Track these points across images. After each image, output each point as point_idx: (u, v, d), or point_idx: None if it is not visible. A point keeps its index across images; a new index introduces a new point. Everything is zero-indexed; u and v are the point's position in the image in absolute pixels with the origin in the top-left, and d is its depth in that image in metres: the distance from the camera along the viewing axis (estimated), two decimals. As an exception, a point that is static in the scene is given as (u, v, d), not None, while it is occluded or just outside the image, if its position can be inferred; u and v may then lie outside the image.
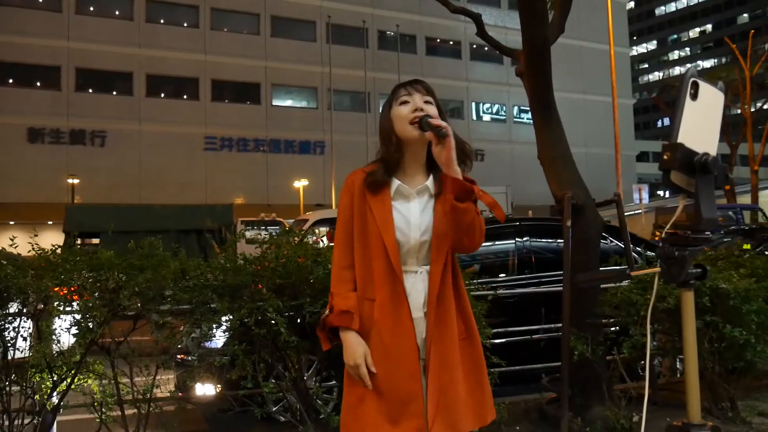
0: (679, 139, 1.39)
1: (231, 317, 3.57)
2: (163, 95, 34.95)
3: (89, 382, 3.65)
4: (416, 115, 1.95)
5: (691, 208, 1.42)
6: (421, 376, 1.92)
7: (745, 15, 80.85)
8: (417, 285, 1.97)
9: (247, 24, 36.89)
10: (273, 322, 3.48)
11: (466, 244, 1.93)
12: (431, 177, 2.02)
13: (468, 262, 5.50)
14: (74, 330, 3.51)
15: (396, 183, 2.02)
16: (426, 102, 2.02)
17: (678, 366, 4.92)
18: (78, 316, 3.50)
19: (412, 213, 1.98)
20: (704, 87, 1.44)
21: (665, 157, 1.39)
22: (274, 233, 4.01)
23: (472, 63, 42.40)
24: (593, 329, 4.30)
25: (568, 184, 4.47)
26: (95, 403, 3.64)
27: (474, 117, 42.78)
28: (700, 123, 1.44)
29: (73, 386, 3.60)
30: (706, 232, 1.46)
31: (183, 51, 34.48)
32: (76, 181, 29.95)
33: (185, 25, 35.63)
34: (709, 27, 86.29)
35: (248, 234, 4.74)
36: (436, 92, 2.11)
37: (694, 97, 1.42)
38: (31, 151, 31.18)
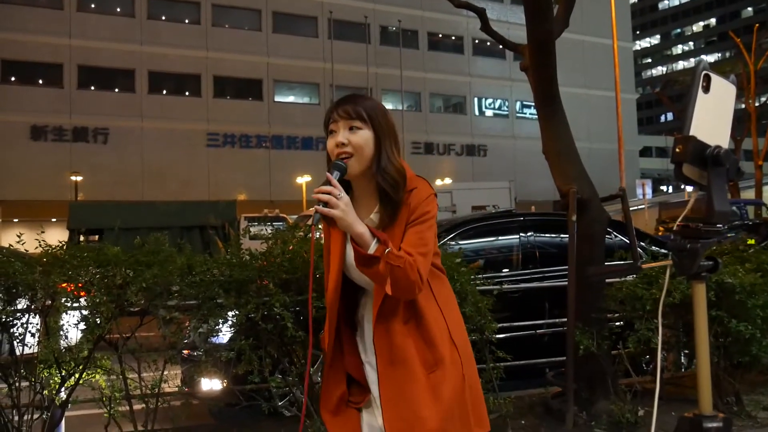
0: (692, 132, 1.39)
1: (237, 312, 3.59)
2: (165, 92, 34.95)
3: (97, 377, 3.67)
4: (339, 152, 1.79)
5: (702, 201, 1.43)
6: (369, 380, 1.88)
7: (750, 9, 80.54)
8: (366, 326, 1.89)
9: (248, 20, 36.85)
10: (279, 317, 3.50)
11: (390, 293, 1.71)
12: (377, 206, 1.81)
13: (472, 258, 5.51)
14: (82, 326, 3.53)
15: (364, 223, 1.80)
16: (353, 128, 1.79)
17: (682, 361, 4.93)
18: (85, 312, 3.52)
19: (351, 252, 1.78)
20: (716, 80, 1.44)
21: (677, 149, 1.39)
22: (278, 229, 4.02)
23: (474, 58, 42.31)
24: (598, 324, 4.31)
25: (574, 178, 4.47)
26: (103, 398, 3.66)
27: (477, 112, 42.72)
28: (712, 116, 1.44)
29: (81, 381, 3.62)
30: (718, 225, 1.47)
31: (185, 48, 34.47)
32: (79, 178, 30.00)
33: (187, 21, 35.61)
34: (713, 21, 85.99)
35: (253, 230, 4.76)
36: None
37: (706, 90, 1.42)
38: (34, 148, 31.22)
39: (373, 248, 1.69)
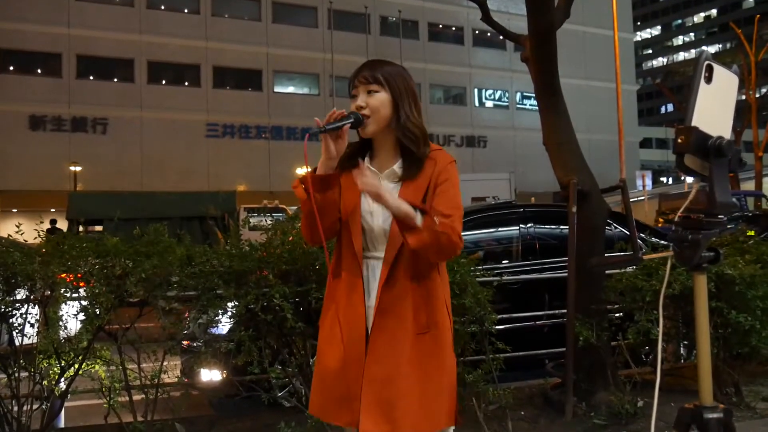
0: (693, 123, 1.39)
1: (237, 303, 3.59)
2: (164, 82, 34.85)
3: (97, 368, 3.68)
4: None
5: (704, 192, 1.43)
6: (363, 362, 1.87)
7: (751, 0, 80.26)
8: (376, 272, 1.92)
9: (248, 10, 36.70)
10: (279, 308, 3.50)
11: (433, 260, 1.90)
12: (400, 161, 1.96)
13: (472, 249, 5.51)
14: (81, 316, 3.53)
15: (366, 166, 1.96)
16: (371, 92, 1.92)
17: (682, 352, 4.94)
18: (85, 303, 3.52)
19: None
20: (718, 70, 1.43)
21: (680, 140, 1.38)
22: (278, 220, 4.02)
23: (474, 49, 42.17)
24: (598, 315, 4.32)
25: (574, 170, 4.47)
26: (103, 389, 3.67)
27: (477, 103, 42.62)
28: (714, 106, 1.44)
29: (80, 372, 3.62)
30: (720, 216, 1.46)
31: (184, 37, 34.33)
32: (78, 168, 29.97)
33: (186, 11, 35.46)
34: (713, 12, 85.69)
35: (252, 221, 4.75)
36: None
37: (709, 80, 1.41)
38: (32, 138, 31.16)
39: (419, 220, 1.79)
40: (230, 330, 3.87)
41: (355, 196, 1.94)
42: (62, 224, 12.82)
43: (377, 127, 1.93)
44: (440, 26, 41.46)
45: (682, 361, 4.91)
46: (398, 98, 1.93)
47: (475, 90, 42.40)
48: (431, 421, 1.85)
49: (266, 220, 4.23)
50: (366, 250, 1.95)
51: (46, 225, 3.39)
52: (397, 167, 1.95)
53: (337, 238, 2.00)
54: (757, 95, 30.40)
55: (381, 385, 1.82)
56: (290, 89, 38.30)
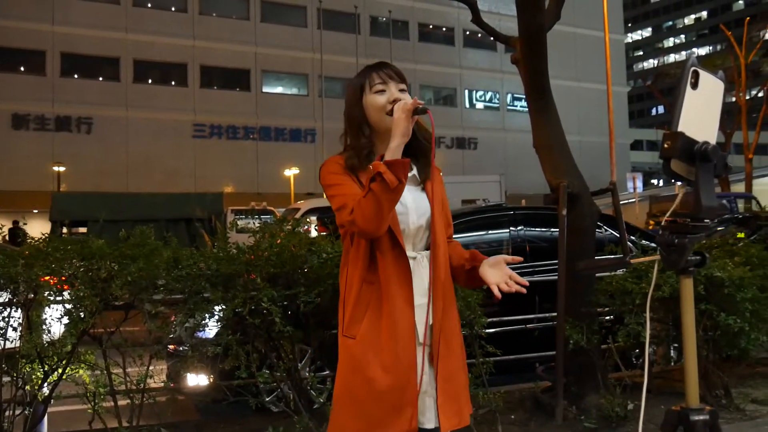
0: (680, 128, 1.41)
1: (224, 307, 3.58)
2: (150, 81, 34.70)
3: (81, 372, 3.65)
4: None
5: (690, 196, 1.45)
6: (417, 365, 1.86)
7: (741, 2, 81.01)
8: (419, 270, 1.93)
9: (236, 9, 36.63)
10: (267, 311, 3.49)
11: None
12: (414, 167, 1.99)
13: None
14: (65, 320, 3.51)
15: None
16: (400, 90, 1.98)
17: (672, 354, 4.98)
18: (69, 306, 3.50)
19: (406, 198, 1.93)
20: (704, 76, 1.46)
21: (666, 145, 1.41)
22: (265, 222, 4.02)
23: (465, 50, 42.30)
24: (588, 318, 4.35)
25: (564, 172, 4.50)
26: (87, 394, 3.64)
27: (467, 105, 42.74)
28: (701, 112, 1.46)
29: (64, 377, 3.60)
30: (706, 220, 1.49)
31: (171, 36, 34.22)
32: (61, 168, 29.77)
33: (173, 9, 35.34)
34: (704, 14, 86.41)
35: (240, 223, 4.75)
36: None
37: (695, 86, 1.44)
38: (15, 137, 30.93)
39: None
40: (217, 334, 3.86)
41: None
42: (45, 226, 12.71)
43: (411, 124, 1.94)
44: (430, 27, 41.56)
45: (673, 363, 4.95)
46: None
47: (466, 91, 42.52)
48: (469, 408, 2.01)
49: (254, 223, 4.23)
50: None
51: (30, 226, 3.36)
52: (415, 172, 1.99)
53: (362, 241, 1.91)
54: (747, 97, 30.66)
55: (450, 383, 1.92)
56: (279, 89, 38.25)
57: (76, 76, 33.03)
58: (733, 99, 30.39)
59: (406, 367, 1.84)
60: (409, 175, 1.95)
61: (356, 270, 1.92)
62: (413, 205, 1.95)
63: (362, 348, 1.87)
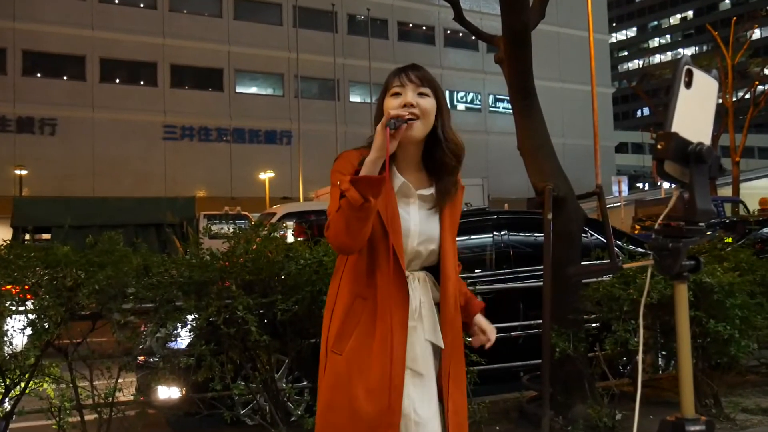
0: (673, 129, 1.42)
1: (197, 316, 3.56)
2: (118, 81, 34.35)
3: (45, 386, 3.61)
4: (396, 113, 1.78)
5: (683, 198, 1.46)
6: (403, 389, 1.82)
7: (727, 1, 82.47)
8: (413, 291, 1.89)
9: (208, 5, 36.44)
10: (242, 320, 3.47)
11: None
12: (434, 186, 1.92)
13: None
14: (28, 331, 3.46)
15: (400, 179, 1.89)
16: (420, 95, 1.88)
17: (660, 362, 5.02)
18: (32, 316, 3.45)
19: (412, 219, 1.88)
20: (698, 75, 1.47)
21: (659, 146, 1.42)
22: (240, 227, 3.99)
23: (446, 49, 42.50)
24: (575, 325, 4.37)
25: (550, 175, 4.53)
26: (52, 409, 3.60)
27: (448, 106, 42.88)
28: (694, 112, 1.47)
29: (27, 391, 3.55)
30: (700, 223, 1.50)
31: (140, 34, 33.91)
32: (23, 172, 29.32)
33: (142, 5, 35.05)
34: (690, 13, 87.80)
35: (213, 228, 4.71)
36: None
37: (688, 85, 1.45)
38: (-26, 140, 30.45)
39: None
40: (190, 344, 3.82)
41: (392, 209, 1.85)
42: (6, 232, 12.52)
43: (423, 132, 1.88)
44: (410, 25, 41.70)
45: (661, 372, 5.00)
46: (442, 107, 1.93)
47: (447, 92, 42.64)
48: None
49: (228, 228, 4.21)
50: None
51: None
52: (426, 191, 1.91)
53: (357, 257, 1.86)
54: (734, 99, 31.16)
55: (457, 414, 1.89)
56: (253, 90, 38.09)
57: (39, 75, 32.60)
58: (720, 101, 30.79)
59: (392, 390, 1.80)
60: (426, 194, 1.90)
61: (350, 283, 1.86)
62: (416, 230, 1.88)
63: (347, 366, 1.83)
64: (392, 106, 1.86)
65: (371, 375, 1.81)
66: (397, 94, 1.89)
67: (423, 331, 1.88)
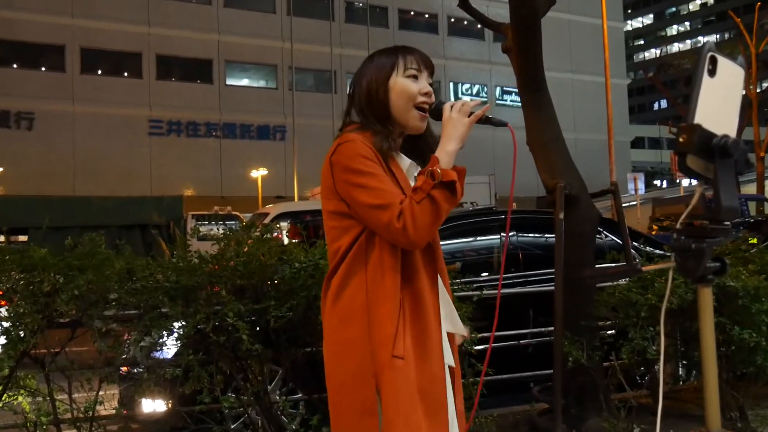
0: (697, 120, 1.41)
1: (185, 323, 3.56)
2: (100, 72, 34.42)
3: (20, 399, 3.60)
4: (428, 101, 1.90)
5: (707, 196, 1.45)
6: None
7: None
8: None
9: (196, -8, 36.50)
10: (233, 328, 3.46)
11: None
12: (417, 170, 1.95)
13: (449, 260, 5.52)
14: (2, 340, 3.46)
15: (407, 161, 1.96)
16: (429, 85, 1.98)
17: (680, 373, 5.00)
18: (7, 324, 3.45)
19: None
20: (723, 62, 1.46)
21: (681, 139, 1.40)
22: (231, 229, 3.99)
23: (450, 38, 42.53)
24: (588, 333, 4.36)
25: (561, 172, 4.51)
26: (28, 423, 3.59)
27: (452, 98, 42.05)
28: (719, 102, 1.46)
29: (1, 405, 3.54)
30: (726, 222, 1.49)
31: (123, 22, 33.96)
32: (-1, 170, 29.41)
33: (126, -8, 35.11)
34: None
35: (202, 229, 4.71)
36: None
37: (712, 73, 1.44)
38: (-54, 135, 30.51)
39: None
40: (176, 354, 3.82)
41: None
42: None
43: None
44: (412, 13, 41.75)
45: (681, 382, 4.98)
46: None
47: (450, 84, 42.71)
48: None
49: (217, 229, 4.20)
50: None
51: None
52: (413, 165, 1.99)
53: (387, 252, 1.80)
54: (759, 90, 31.12)
55: (461, 417, 1.97)
56: (244, 82, 38.14)
57: (15, 65, 32.64)
58: (743, 92, 30.78)
59: (443, 387, 1.86)
60: (414, 172, 1.96)
61: (389, 274, 1.78)
62: None
63: (408, 369, 1.78)
64: (412, 89, 1.91)
65: (425, 374, 1.82)
66: (414, 77, 1.93)
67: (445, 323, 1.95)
